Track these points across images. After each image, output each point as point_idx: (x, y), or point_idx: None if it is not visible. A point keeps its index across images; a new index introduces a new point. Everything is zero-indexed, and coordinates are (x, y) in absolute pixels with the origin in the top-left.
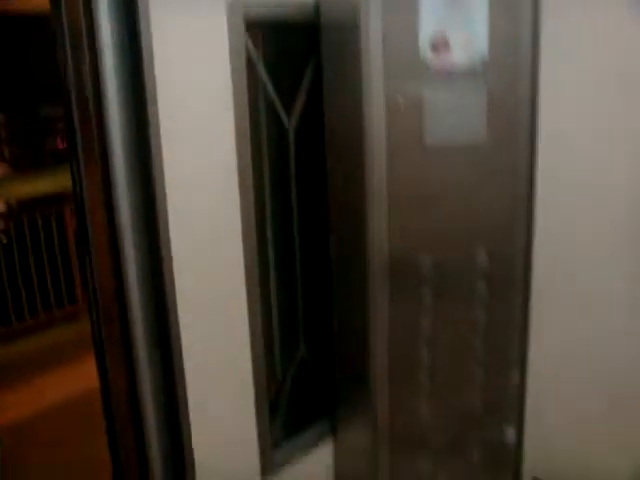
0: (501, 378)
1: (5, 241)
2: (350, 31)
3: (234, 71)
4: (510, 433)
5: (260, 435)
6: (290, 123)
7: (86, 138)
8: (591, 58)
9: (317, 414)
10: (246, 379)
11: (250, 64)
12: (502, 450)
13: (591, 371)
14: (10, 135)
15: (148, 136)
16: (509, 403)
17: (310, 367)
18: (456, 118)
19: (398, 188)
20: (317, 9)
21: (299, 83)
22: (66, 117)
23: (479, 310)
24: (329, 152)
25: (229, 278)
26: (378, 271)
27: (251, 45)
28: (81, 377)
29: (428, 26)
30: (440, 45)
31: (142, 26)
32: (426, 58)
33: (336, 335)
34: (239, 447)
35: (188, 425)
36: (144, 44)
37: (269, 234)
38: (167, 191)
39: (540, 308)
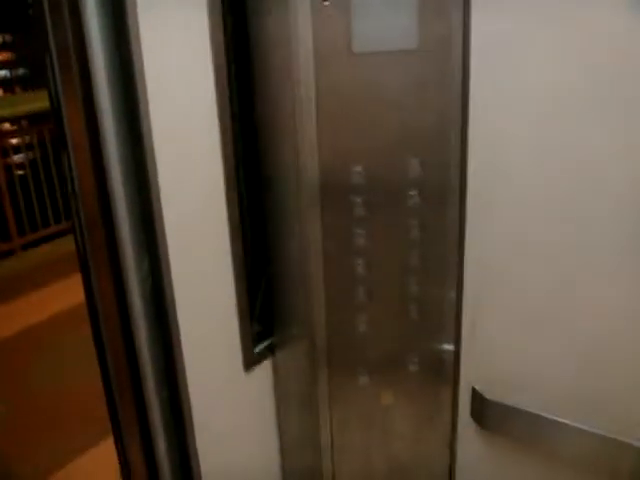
0: (438, 289)
1: None
2: None
3: None
4: (448, 345)
5: (242, 332)
6: None
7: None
8: None
9: None
10: (227, 277)
11: None
12: (441, 362)
13: (529, 278)
14: None
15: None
16: (446, 315)
17: None
18: (386, 22)
19: (327, 98)
20: None
21: None
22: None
23: (414, 221)
24: (254, 62)
25: (208, 176)
26: (309, 183)
27: None
28: (17, 317)
29: None
30: None
31: None
32: None
33: (269, 253)
34: (223, 343)
35: (177, 327)
36: None
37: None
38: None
39: (476, 217)
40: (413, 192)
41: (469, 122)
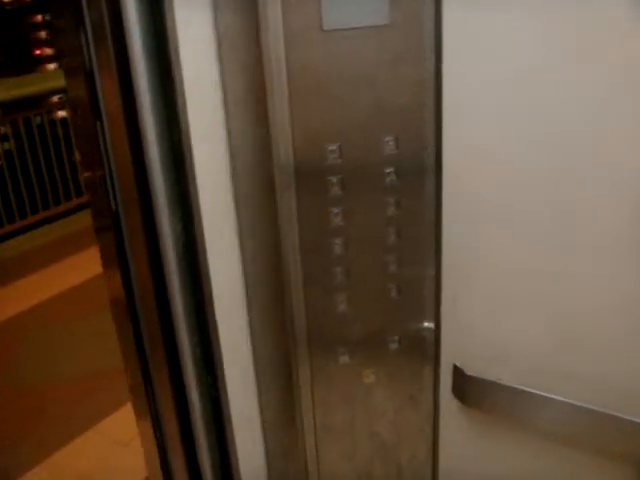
0: (417, 267)
1: None
2: None
3: None
4: (428, 322)
5: None
6: None
7: None
8: None
9: None
10: None
11: None
12: (421, 340)
13: (508, 253)
14: None
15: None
16: (426, 292)
17: None
18: None
19: (299, 77)
20: None
21: None
22: None
23: (391, 199)
24: (222, 47)
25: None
26: (284, 164)
27: None
28: None
29: None
30: None
31: None
32: None
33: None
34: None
35: (208, 279)
36: None
37: None
38: None
39: (453, 194)
40: (389, 170)
41: (443, 98)
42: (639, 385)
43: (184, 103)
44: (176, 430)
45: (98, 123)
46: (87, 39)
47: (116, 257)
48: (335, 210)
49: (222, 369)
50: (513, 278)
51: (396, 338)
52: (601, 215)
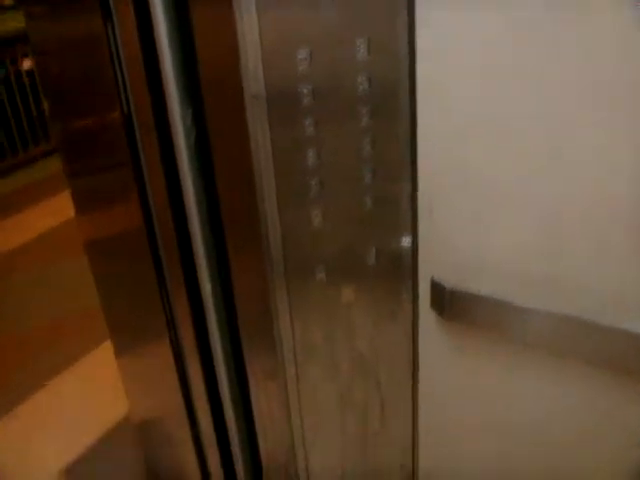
0: (393, 179)
1: None
2: None
3: None
4: (405, 236)
5: None
6: None
7: None
8: None
9: None
10: None
11: None
12: (398, 254)
13: (485, 161)
14: None
15: None
16: (402, 206)
17: None
18: None
19: None
20: None
21: None
22: None
23: (364, 109)
24: None
25: None
26: (253, 75)
27: None
28: None
29: None
30: None
31: None
32: None
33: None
34: None
35: None
36: None
37: None
38: None
39: (428, 104)
40: (362, 78)
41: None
42: (625, 292)
43: None
44: (198, 368)
45: (109, 25)
46: None
47: (131, 167)
48: (307, 121)
49: None
50: (494, 185)
51: (373, 253)
52: (589, 117)
